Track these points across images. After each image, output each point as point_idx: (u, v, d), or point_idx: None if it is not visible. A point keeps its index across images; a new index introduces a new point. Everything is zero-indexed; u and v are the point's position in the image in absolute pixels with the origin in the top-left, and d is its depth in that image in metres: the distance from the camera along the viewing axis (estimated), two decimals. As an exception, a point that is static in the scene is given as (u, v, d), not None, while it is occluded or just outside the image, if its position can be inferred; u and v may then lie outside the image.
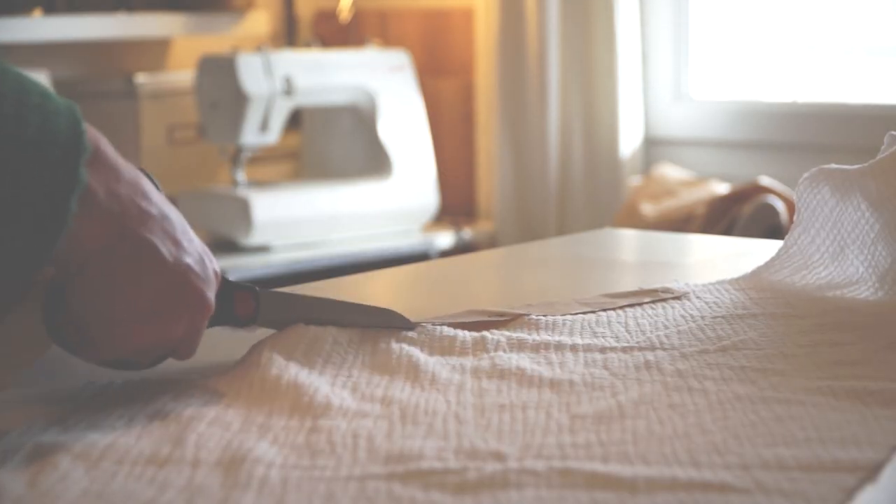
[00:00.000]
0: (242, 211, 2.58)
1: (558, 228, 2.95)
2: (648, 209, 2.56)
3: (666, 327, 0.82)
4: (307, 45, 3.02)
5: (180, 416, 0.64)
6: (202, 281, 0.69)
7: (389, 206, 2.82)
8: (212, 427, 0.62)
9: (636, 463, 0.57)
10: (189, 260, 0.69)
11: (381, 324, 0.80)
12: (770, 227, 2.29)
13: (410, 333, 0.79)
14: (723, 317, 0.85)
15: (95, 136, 0.65)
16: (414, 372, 0.72)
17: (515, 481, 0.55)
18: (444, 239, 2.92)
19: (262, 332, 0.78)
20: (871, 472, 0.56)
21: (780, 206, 2.32)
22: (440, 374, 0.71)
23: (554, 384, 0.70)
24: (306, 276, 2.45)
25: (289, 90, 2.68)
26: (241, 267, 2.52)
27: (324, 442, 0.61)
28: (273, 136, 2.70)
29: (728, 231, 2.32)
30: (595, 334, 0.80)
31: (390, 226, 2.82)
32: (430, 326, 0.80)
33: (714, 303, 0.89)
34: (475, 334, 0.79)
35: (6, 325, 0.69)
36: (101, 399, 0.68)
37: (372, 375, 0.72)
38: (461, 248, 2.92)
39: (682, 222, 2.43)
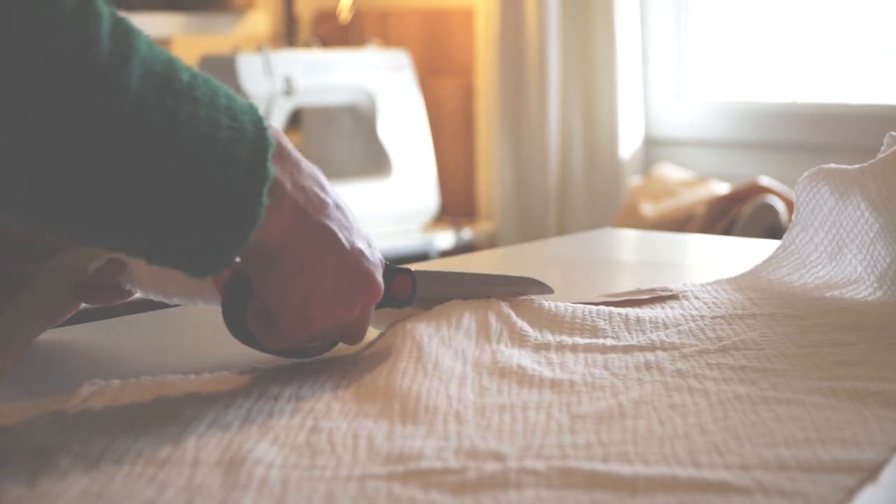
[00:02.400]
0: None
1: (558, 228, 2.96)
2: (648, 209, 2.56)
3: (666, 327, 0.82)
4: (307, 45, 3.02)
5: (180, 416, 0.64)
6: (372, 265, 0.73)
7: (389, 206, 2.82)
8: (212, 428, 0.62)
9: (636, 463, 0.57)
10: (361, 245, 0.72)
11: (523, 291, 0.85)
12: (770, 227, 2.29)
13: (417, 318, 0.79)
14: (722, 317, 0.85)
15: (276, 131, 0.69)
16: (418, 353, 0.73)
17: (515, 481, 0.55)
18: (444, 239, 2.92)
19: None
20: (871, 473, 0.56)
21: (780, 206, 2.32)
22: (443, 362, 0.72)
23: (554, 384, 0.70)
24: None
25: (289, 90, 2.68)
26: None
27: (324, 442, 0.61)
28: (273, 136, 2.70)
29: (728, 231, 2.32)
30: (595, 334, 0.80)
31: (390, 226, 2.82)
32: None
33: (713, 303, 0.89)
34: (482, 319, 0.79)
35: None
36: (100, 399, 0.68)
37: (374, 366, 0.72)
38: (461, 249, 2.92)
39: (682, 222, 2.43)
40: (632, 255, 1.21)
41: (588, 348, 0.77)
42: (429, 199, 2.90)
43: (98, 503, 0.53)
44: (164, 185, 0.62)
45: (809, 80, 2.78)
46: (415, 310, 0.81)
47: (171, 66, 0.63)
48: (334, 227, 0.70)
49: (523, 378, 0.71)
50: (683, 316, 0.85)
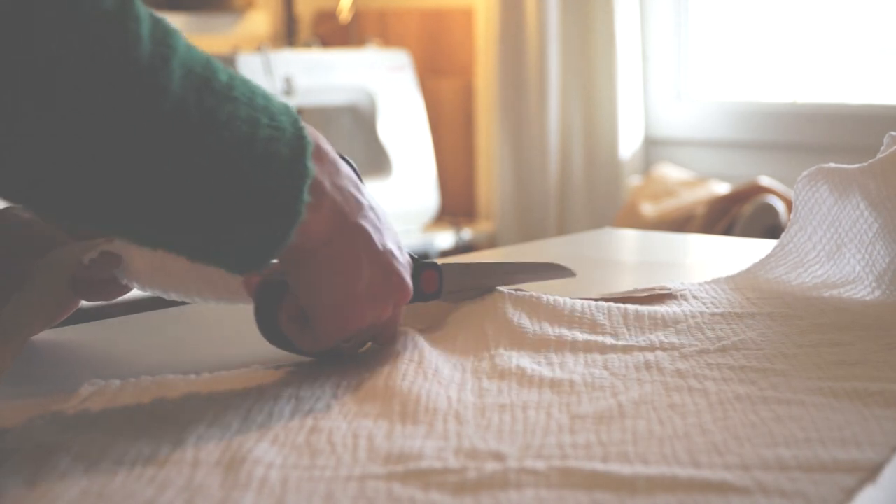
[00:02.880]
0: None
1: (558, 228, 2.96)
2: (648, 209, 2.56)
3: (665, 327, 0.82)
4: (307, 45, 3.02)
5: (179, 416, 0.64)
6: (402, 266, 0.73)
7: (389, 206, 2.82)
8: (211, 428, 0.63)
9: (636, 463, 0.57)
10: (392, 246, 0.73)
11: (548, 276, 0.88)
12: (770, 227, 2.29)
13: (414, 333, 0.79)
14: (721, 316, 0.85)
15: (313, 131, 0.70)
16: (419, 358, 0.73)
17: (515, 481, 0.55)
18: (445, 239, 2.93)
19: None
20: (871, 473, 0.56)
21: (780, 206, 2.32)
22: (442, 370, 0.72)
23: (554, 384, 0.70)
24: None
25: (289, 90, 2.68)
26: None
27: (324, 442, 0.61)
28: (273, 136, 2.70)
29: (728, 231, 2.32)
30: (594, 329, 0.81)
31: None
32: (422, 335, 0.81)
33: (711, 302, 0.89)
34: (477, 333, 0.79)
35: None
36: (100, 399, 0.68)
37: (374, 370, 0.72)
38: (461, 249, 2.92)
39: (682, 222, 2.43)
40: (632, 255, 1.21)
41: (587, 347, 0.77)
42: (429, 199, 2.90)
43: (98, 503, 0.53)
44: (206, 184, 0.62)
45: (809, 80, 2.79)
46: (441, 305, 0.83)
47: (210, 66, 0.63)
48: (369, 228, 0.71)
49: (523, 378, 0.71)
50: (683, 314, 0.85)
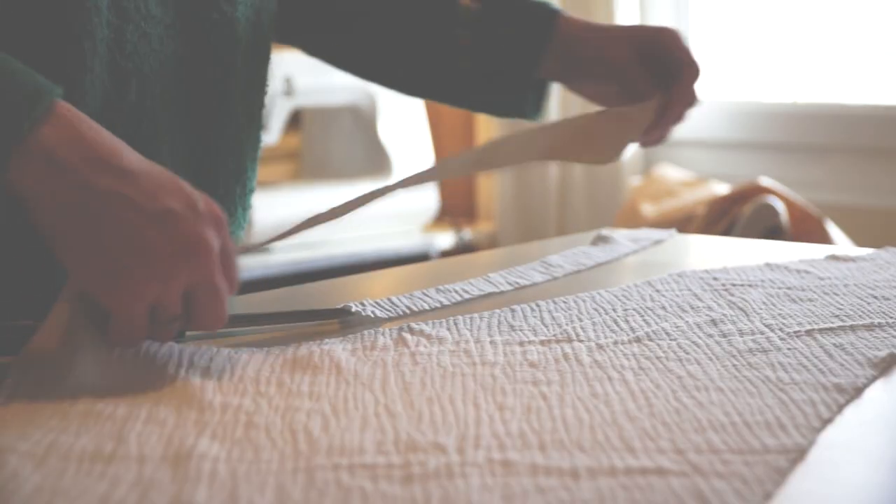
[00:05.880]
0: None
1: (558, 228, 2.96)
2: (648, 209, 2.56)
3: (580, 320, 0.86)
4: (307, 45, 3.02)
5: (114, 414, 0.65)
6: (194, 223, 0.70)
7: (389, 206, 2.81)
8: (149, 425, 0.63)
9: (573, 450, 0.59)
10: (174, 205, 0.70)
11: (329, 318, 0.87)
12: (770, 227, 2.29)
13: (331, 339, 0.80)
14: (634, 309, 0.89)
15: (66, 106, 0.71)
16: (336, 369, 0.74)
17: (460, 472, 0.56)
18: (445, 239, 2.92)
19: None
20: (800, 454, 0.59)
21: (780, 206, 2.32)
22: (362, 371, 0.73)
23: (477, 377, 0.72)
24: (306, 276, 2.45)
25: (289, 90, 2.68)
26: (241, 267, 2.52)
27: (263, 437, 0.62)
28: (273, 136, 2.70)
29: (728, 231, 2.32)
30: (513, 328, 0.84)
31: (390, 226, 2.83)
32: (352, 332, 0.83)
33: (623, 296, 0.94)
34: (395, 334, 0.81)
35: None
36: (22, 397, 0.68)
37: (294, 373, 0.73)
38: (461, 249, 2.92)
39: (682, 222, 2.43)
40: (632, 255, 1.21)
41: (507, 342, 0.80)
42: (429, 199, 2.90)
43: (54, 499, 0.54)
44: None
45: (809, 80, 2.79)
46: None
47: None
48: (128, 192, 0.70)
49: (445, 373, 0.73)
50: (596, 309, 0.90)
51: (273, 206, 2.64)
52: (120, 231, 0.69)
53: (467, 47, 1.10)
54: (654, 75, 1.07)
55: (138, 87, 0.90)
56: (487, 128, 3.11)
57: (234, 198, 1.01)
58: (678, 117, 1.08)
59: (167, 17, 0.92)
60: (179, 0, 0.93)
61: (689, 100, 1.07)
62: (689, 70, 1.07)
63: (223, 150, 0.99)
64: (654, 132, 1.08)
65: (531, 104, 1.13)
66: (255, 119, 1.03)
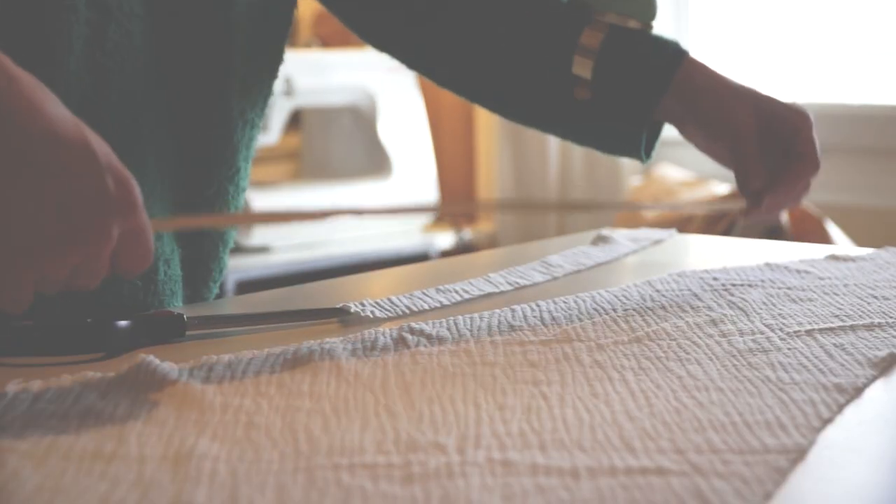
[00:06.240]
0: (243, 211, 2.58)
1: (558, 228, 2.96)
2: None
3: (580, 320, 0.86)
4: (307, 45, 3.02)
5: (114, 414, 0.65)
6: (96, 208, 0.65)
7: (389, 206, 2.82)
8: (149, 425, 0.63)
9: (573, 450, 0.59)
10: (79, 185, 0.64)
11: (320, 317, 0.87)
12: (770, 227, 2.29)
13: (331, 339, 0.80)
14: (634, 309, 0.90)
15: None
16: (337, 369, 0.74)
17: (460, 472, 0.56)
18: (445, 239, 2.93)
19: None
20: (800, 454, 0.59)
21: (780, 206, 2.32)
22: (363, 371, 0.73)
23: (477, 377, 0.72)
24: (306, 276, 2.46)
25: (289, 90, 2.68)
26: (241, 268, 2.53)
27: (263, 437, 0.62)
28: (273, 136, 2.70)
29: (728, 231, 2.32)
30: (513, 328, 0.84)
31: (390, 226, 2.83)
32: (352, 332, 0.83)
33: (623, 296, 0.94)
34: (395, 334, 0.81)
35: None
36: (25, 398, 0.68)
37: (294, 373, 0.73)
38: (461, 249, 2.92)
39: (682, 222, 2.43)
40: (632, 255, 1.21)
41: (507, 342, 0.80)
42: (429, 199, 2.90)
43: (54, 499, 0.54)
44: None
45: (810, 80, 2.79)
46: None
47: None
48: (30, 161, 0.63)
49: (445, 373, 0.73)
50: (596, 309, 0.90)
51: (273, 206, 2.64)
52: (11, 204, 0.63)
53: (586, 81, 1.04)
54: (768, 152, 1.02)
55: (119, 85, 0.89)
56: (488, 128, 3.11)
57: (226, 198, 1.00)
58: (775, 211, 1.02)
59: (151, 15, 0.90)
60: None
61: (795, 195, 1.02)
62: (806, 165, 1.01)
63: (215, 150, 0.98)
64: (747, 216, 1.02)
65: (643, 145, 1.08)
66: (252, 119, 1.02)
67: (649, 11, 1.07)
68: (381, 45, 1.14)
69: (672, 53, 1.05)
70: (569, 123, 1.09)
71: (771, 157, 1.02)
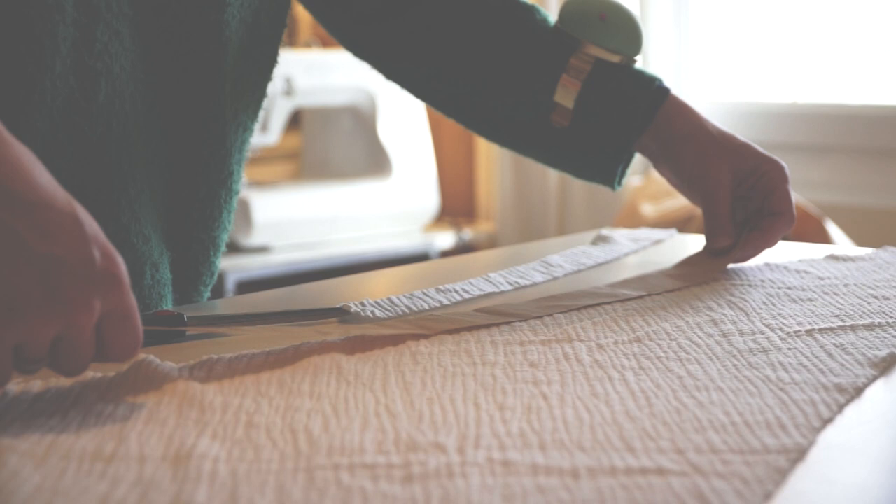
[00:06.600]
0: (243, 211, 2.58)
1: (558, 228, 2.96)
2: (648, 209, 2.56)
3: (580, 320, 0.87)
4: (307, 45, 3.02)
5: (114, 414, 0.65)
6: (79, 279, 0.63)
7: (389, 206, 2.82)
8: (149, 425, 0.63)
9: (573, 450, 0.59)
10: (64, 253, 0.62)
11: (320, 318, 0.87)
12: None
13: (331, 339, 0.80)
14: (634, 309, 0.90)
15: None
16: (337, 369, 0.74)
17: (460, 472, 0.56)
18: (445, 239, 2.93)
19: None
20: (800, 454, 0.59)
21: (780, 206, 2.32)
22: (363, 371, 0.73)
23: (477, 377, 0.72)
24: (306, 276, 2.46)
25: (289, 90, 2.68)
26: (241, 268, 2.53)
27: (263, 437, 0.62)
28: (273, 136, 2.70)
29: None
30: (513, 328, 0.84)
31: (390, 226, 2.83)
32: (352, 332, 0.83)
33: (623, 296, 0.95)
34: (395, 337, 0.81)
35: None
36: (25, 398, 0.68)
37: (294, 373, 0.73)
38: (461, 249, 2.92)
39: (682, 222, 2.43)
40: (632, 255, 1.21)
41: (507, 342, 0.80)
42: (429, 199, 2.90)
43: (54, 499, 0.54)
44: None
45: (809, 80, 2.79)
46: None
47: None
48: (21, 227, 0.62)
49: (445, 373, 0.73)
50: (596, 309, 0.90)
51: (273, 207, 2.64)
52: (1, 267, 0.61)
53: (566, 110, 1.06)
54: (743, 205, 1.04)
55: (108, 87, 0.88)
56: (487, 128, 3.11)
57: (218, 201, 0.99)
58: (742, 258, 1.05)
59: (140, 16, 0.90)
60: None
61: (765, 244, 1.04)
62: (781, 222, 1.03)
63: (207, 153, 0.97)
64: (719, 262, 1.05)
65: (617, 175, 1.10)
66: (245, 122, 1.01)
67: (634, 45, 1.09)
68: (363, 54, 1.15)
69: (655, 91, 1.07)
70: (543, 149, 1.11)
71: (744, 210, 1.04)
